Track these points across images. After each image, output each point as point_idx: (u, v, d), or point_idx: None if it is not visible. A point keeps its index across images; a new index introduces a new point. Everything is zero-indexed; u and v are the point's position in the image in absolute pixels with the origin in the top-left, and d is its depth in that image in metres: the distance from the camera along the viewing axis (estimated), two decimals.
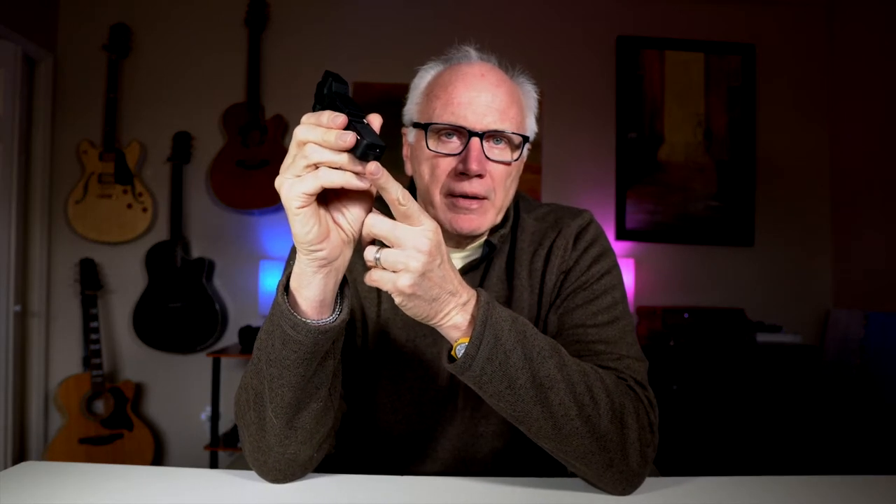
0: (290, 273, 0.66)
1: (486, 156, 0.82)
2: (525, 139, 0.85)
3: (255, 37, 2.86)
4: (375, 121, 0.61)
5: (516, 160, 0.85)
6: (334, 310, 0.66)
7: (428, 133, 0.84)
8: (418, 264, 0.60)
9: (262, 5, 2.85)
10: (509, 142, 0.84)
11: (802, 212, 3.05)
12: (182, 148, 2.80)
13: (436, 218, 0.86)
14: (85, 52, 2.84)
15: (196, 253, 2.86)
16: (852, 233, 2.91)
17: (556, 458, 0.75)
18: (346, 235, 0.62)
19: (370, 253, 0.62)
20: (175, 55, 2.90)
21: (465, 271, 0.90)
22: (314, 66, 2.92)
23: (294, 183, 0.57)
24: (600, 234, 0.91)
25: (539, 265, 0.89)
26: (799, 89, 3.08)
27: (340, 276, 0.64)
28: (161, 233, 2.83)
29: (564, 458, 0.73)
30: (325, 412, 0.73)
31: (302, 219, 0.58)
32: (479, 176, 0.82)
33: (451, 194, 0.83)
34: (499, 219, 0.87)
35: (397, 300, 0.63)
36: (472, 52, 0.88)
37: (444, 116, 0.82)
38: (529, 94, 0.90)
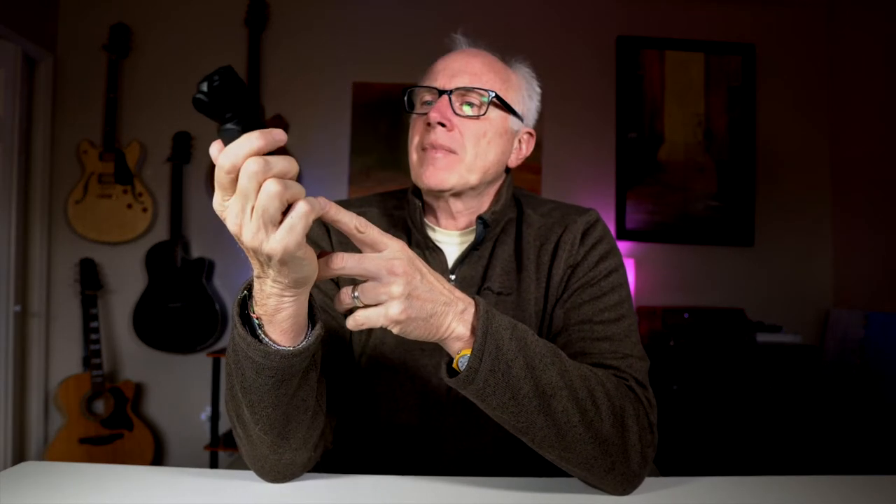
0: (241, 300, 0.61)
1: (453, 111, 0.86)
2: (495, 97, 0.87)
3: (255, 37, 2.86)
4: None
5: (484, 114, 0.87)
6: (307, 328, 0.63)
7: (407, 98, 0.91)
8: (400, 288, 0.58)
9: (262, 5, 2.85)
10: (479, 102, 0.87)
11: (802, 212, 3.05)
12: (182, 148, 2.80)
13: (414, 178, 0.90)
14: (85, 52, 2.84)
15: (196, 253, 2.86)
16: (852, 233, 2.91)
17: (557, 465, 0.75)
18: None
19: (347, 296, 0.59)
20: (175, 55, 2.90)
21: (464, 258, 0.90)
22: (314, 66, 2.92)
23: (282, 236, 0.50)
24: (607, 233, 0.92)
25: (546, 259, 0.89)
26: (799, 89, 3.07)
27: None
28: (161, 233, 2.83)
29: (567, 465, 0.72)
30: (315, 418, 0.73)
31: (307, 262, 0.54)
32: (443, 125, 0.85)
33: (422, 148, 0.87)
34: (472, 179, 0.88)
35: (395, 330, 0.60)
36: (462, 39, 0.95)
37: (422, 83, 0.90)
38: (523, 78, 0.94)
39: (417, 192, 0.94)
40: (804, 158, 3.06)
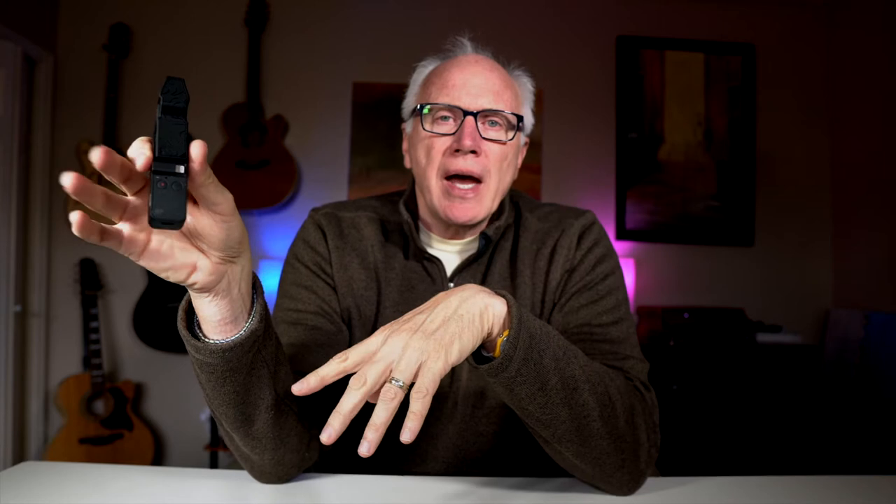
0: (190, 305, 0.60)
1: (480, 135, 0.82)
2: (520, 119, 0.85)
3: (255, 37, 2.86)
4: (197, 151, 0.46)
5: (511, 139, 0.84)
6: (248, 320, 0.60)
7: (423, 115, 0.84)
8: (415, 340, 0.56)
9: (262, 5, 2.85)
10: (504, 124, 0.84)
11: (802, 212, 3.05)
12: None
13: (430, 205, 0.85)
14: (85, 52, 2.84)
15: None
16: (852, 233, 2.90)
17: (563, 467, 0.74)
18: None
19: (391, 391, 0.54)
20: (175, 55, 2.89)
21: (464, 267, 0.89)
22: (314, 65, 2.92)
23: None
24: (603, 235, 0.91)
25: (542, 264, 0.89)
26: (799, 89, 3.07)
27: (236, 291, 0.57)
28: None
29: (580, 461, 0.71)
30: (282, 418, 0.70)
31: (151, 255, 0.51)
32: (474, 153, 0.81)
33: (446, 177, 0.83)
34: (495, 205, 0.86)
35: (452, 360, 0.56)
36: (468, 44, 0.89)
37: (439, 98, 0.83)
38: (525, 87, 0.91)
39: (408, 202, 0.93)
40: (804, 158, 3.06)
